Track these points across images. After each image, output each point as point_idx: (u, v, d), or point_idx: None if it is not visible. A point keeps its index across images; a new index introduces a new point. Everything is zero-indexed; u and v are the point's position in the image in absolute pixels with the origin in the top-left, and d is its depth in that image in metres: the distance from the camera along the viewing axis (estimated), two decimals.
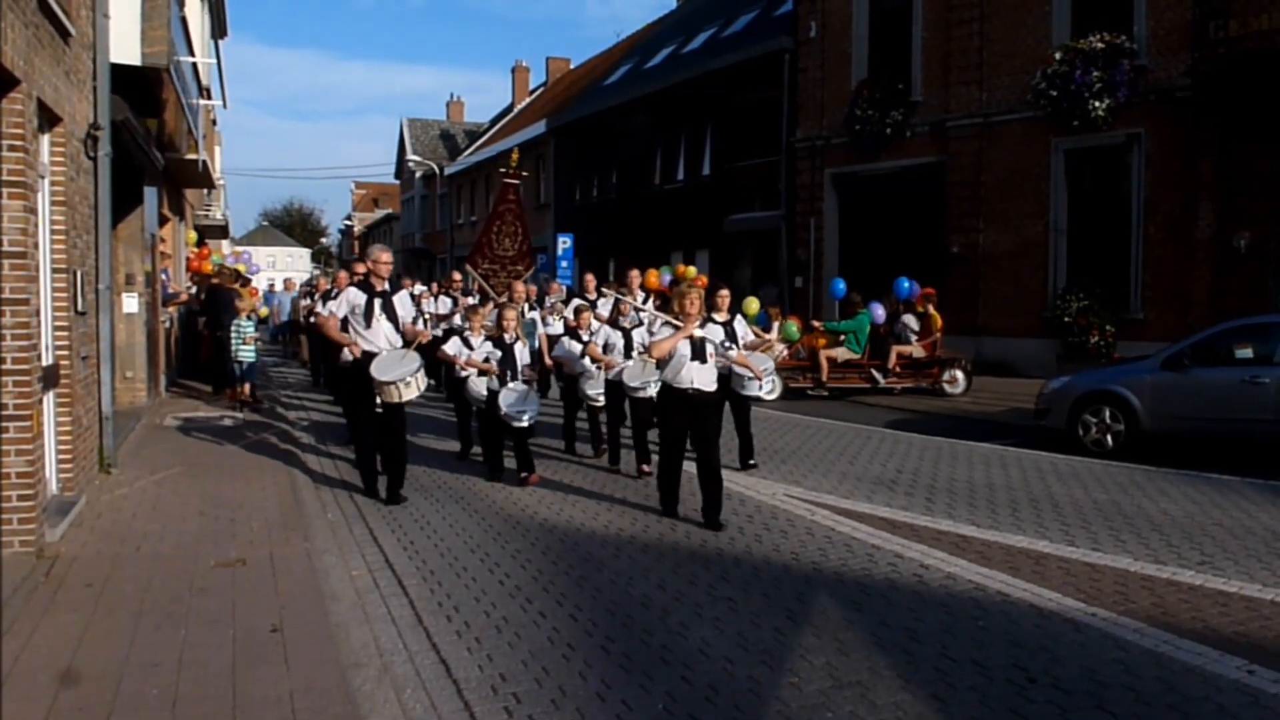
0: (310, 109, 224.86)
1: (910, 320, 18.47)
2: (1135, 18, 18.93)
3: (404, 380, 8.80)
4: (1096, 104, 18.98)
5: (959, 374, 18.20)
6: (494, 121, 59.14)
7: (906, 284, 18.76)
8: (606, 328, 10.94)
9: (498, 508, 8.97)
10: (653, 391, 9.48)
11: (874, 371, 18.03)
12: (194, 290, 20.52)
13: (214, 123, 26.08)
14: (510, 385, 9.92)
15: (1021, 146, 20.75)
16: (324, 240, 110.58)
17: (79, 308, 8.72)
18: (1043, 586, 6.68)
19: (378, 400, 9.01)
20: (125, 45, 10.78)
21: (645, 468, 10.32)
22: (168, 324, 18.23)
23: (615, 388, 10.56)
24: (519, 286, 13.31)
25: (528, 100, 56.69)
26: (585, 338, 11.27)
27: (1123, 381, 12.05)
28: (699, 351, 8.29)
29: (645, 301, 13.26)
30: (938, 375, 18.05)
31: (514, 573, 6.98)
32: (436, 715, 4.68)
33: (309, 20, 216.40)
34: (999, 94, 21.11)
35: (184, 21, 14.59)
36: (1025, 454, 11.69)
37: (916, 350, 18.15)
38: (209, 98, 21.76)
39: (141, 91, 11.82)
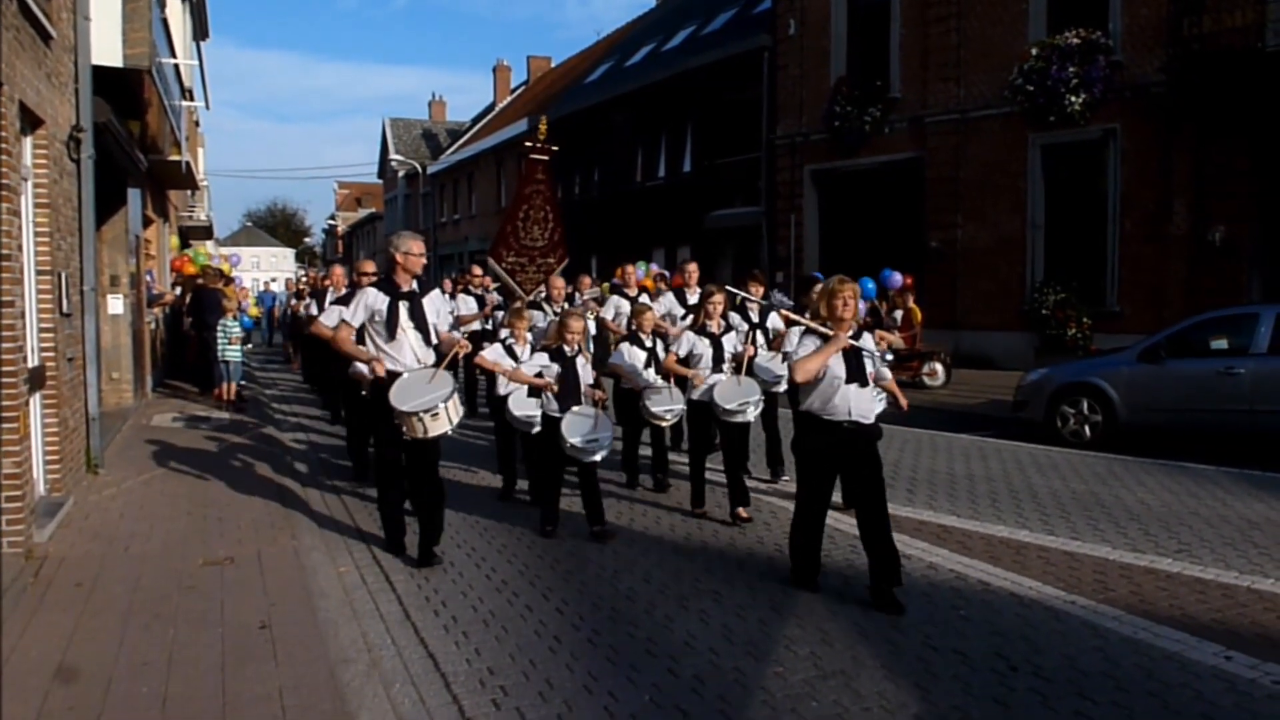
0: (292, 110, 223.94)
1: (895, 314, 18.59)
2: (1111, 14, 19.08)
3: (431, 410, 6.77)
4: (1073, 100, 19.14)
5: (938, 367, 18.32)
6: (476, 120, 59.10)
7: (897, 277, 18.83)
8: (691, 334, 8.80)
9: (482, 506, 9.03)
10: (753, 415, 8.32)
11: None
12: (179, 291, 20.46)
13: (197, 124, 26.02)
14: (576, 409, 7.92)
15: (999, 142, 20.89)
16: (308, 240, 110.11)
17: (64, 309, 8.73)
18: (1023, 576, 6.78)
19: (403, 429, 6.94)
20: (107, 47, 10.76)
21: (743, 512, 8.37)
22: (153, 325, 18.18)
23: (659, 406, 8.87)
24: (558, 282, 11.26)
25: (509, 99, 56.68)
26: (648, 343, 9.29)
27: (1100, 373, 12.18)
28: (857, 370, 6.28)
29: (639, 296, 11.99)
30: (917, 368, 18.16)
31: (500, 567, 7.06)
32: (425, 709, 4.71)
33: (290, 22, 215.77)
34: (976, 90, 21.24)
35: (165, 23, 14.58)
36: (1004, 445, 11.82)
37: (896, 341, 18.27)
38: (191, 99, 21.70)
39: (124, 93, 11.81)
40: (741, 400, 8.24)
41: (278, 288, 36.42)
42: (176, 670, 5.09)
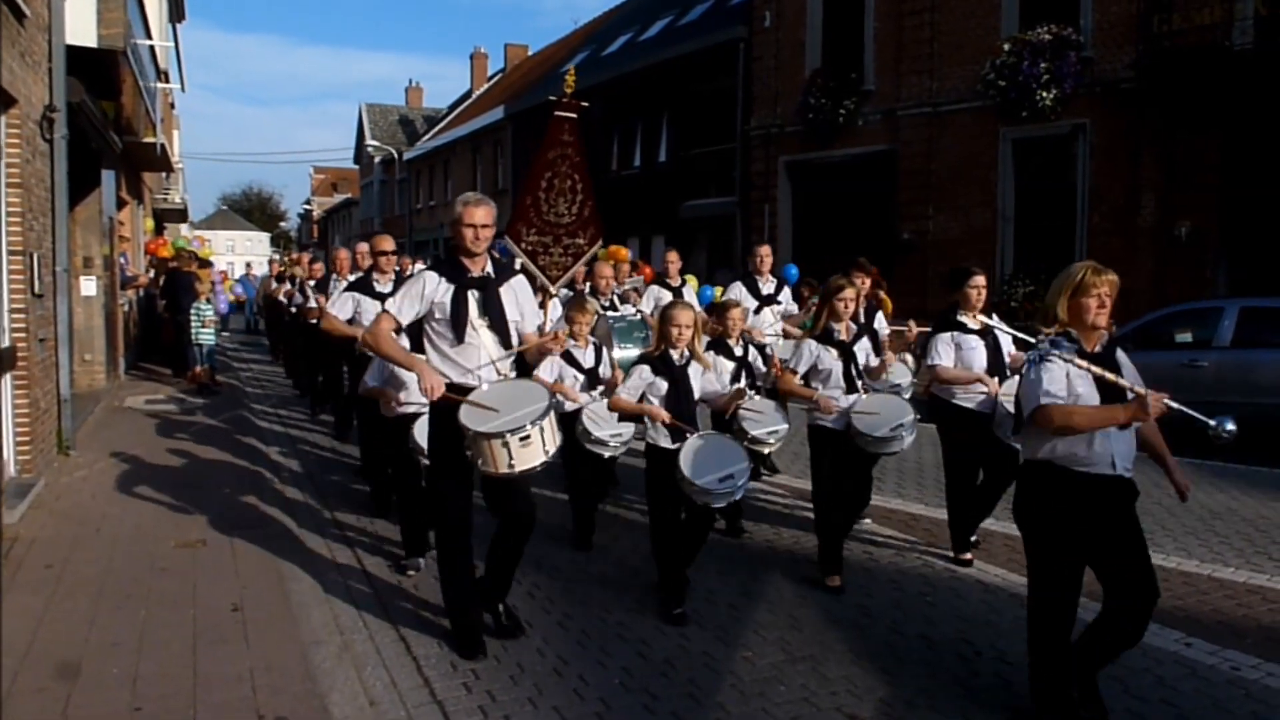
0: (269, 94, 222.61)
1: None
2: (1082, 10, 19.20)
3: (519, 432, 4.91)
4: (1044, 95, 19.25)
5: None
6: (453, 107, 58.85)
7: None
8: (813, 343, 6.64)
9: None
10: (908, 443, 6.59)
11: None
12: (152, 274, 20.35)
13: (172, 106, 25.77)
14: (699, 436, 5.93)
15: (971, 136, 21.00)
16: (283, 224, 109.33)
17: (36, 290, 8.72)
18: (988, 563, 6.90)
19: (479, 462, 5.04)
20: (81, 27, 10.73)
21: (835, 580, 6.38)
22: (126, 307, 18.11)
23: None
24: (604, 270, 9.59)
25: (486, 86, 56.42)
26: (738, 350, 7.57)
27: None
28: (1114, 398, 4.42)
29: (682, 288, 10.69)
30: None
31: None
32: (397, 692, 4.73)
33: (268, 5, 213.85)
34: (949, 84, 21.35)
35: (140, 4, 14.47)
36: None
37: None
38: (167, 81, 21.54)
39: (98, 74, 11.74)
40: (894, 425, 6.42)
41: (261, 271, 35.58)
42: (147, 651, 5.10)
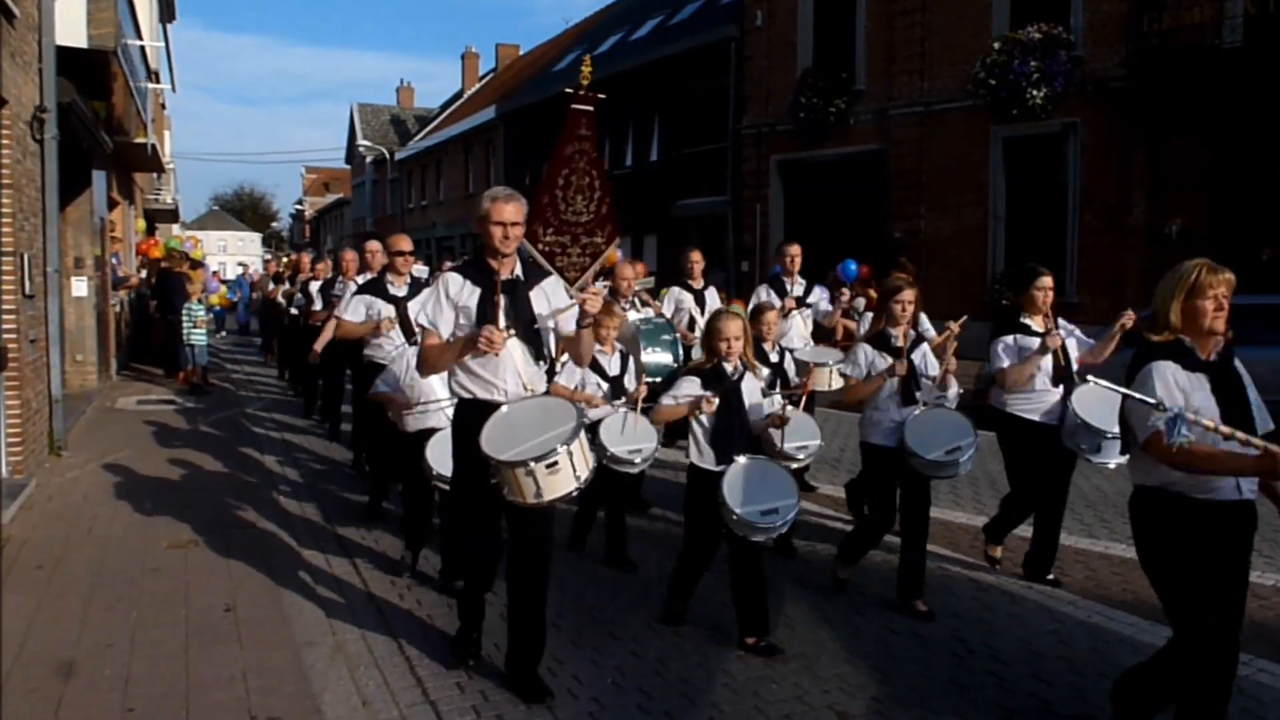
0: (260, 94, 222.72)
1: (858, 302, 18.69)
2: (1072, 10, 19.25)
3: (548, 458, 4.42)
4: (1034, 94, 19.30)
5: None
6: (444, 107, 58.72)
7: (854, 266, 18.97)
8: (868, 349, 6.17)
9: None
10: (967, 468, 6.03)
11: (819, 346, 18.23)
12: (144, 274, 20.31)
13: (163, 107, 25.79)
14: (745, 461, 5.36)
15: (962, 135, 21.05)
16: (275, 224, 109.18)
17: (27, 291, 8.71)
18: (981, 561, 6.91)
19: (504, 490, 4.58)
20: (71, 27, 10.71)
21: (921, 605, 5.86)
22: (118, 308, 18.08)
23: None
24: (625, 271, 8.94)
25: (477, 86, 56.33)
26: (773, 356, 7.37)
27: None
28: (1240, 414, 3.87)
29: (705, 290, 9.92)
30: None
31: None
32: (390, 692, 4.73)
33: (259, 5, 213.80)
34: (940, 83, 21.40)
35: (131, 4, 14.46)
36: None
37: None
38: (157, 81, 21.55)
39: (89, 74, 11.74)
40: (952, 445, 5.83)
41: (252, 269, 35.40)
42: (140, 652, 5.10)
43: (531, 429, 4.56)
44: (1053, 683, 4.91)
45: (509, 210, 4.71)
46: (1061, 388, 6.28)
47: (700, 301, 9.68)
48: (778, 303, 8.95)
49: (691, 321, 9.27)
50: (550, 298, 4.92)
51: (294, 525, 7.69)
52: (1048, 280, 6.45)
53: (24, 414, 8.47)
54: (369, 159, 59.22)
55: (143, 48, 16.47)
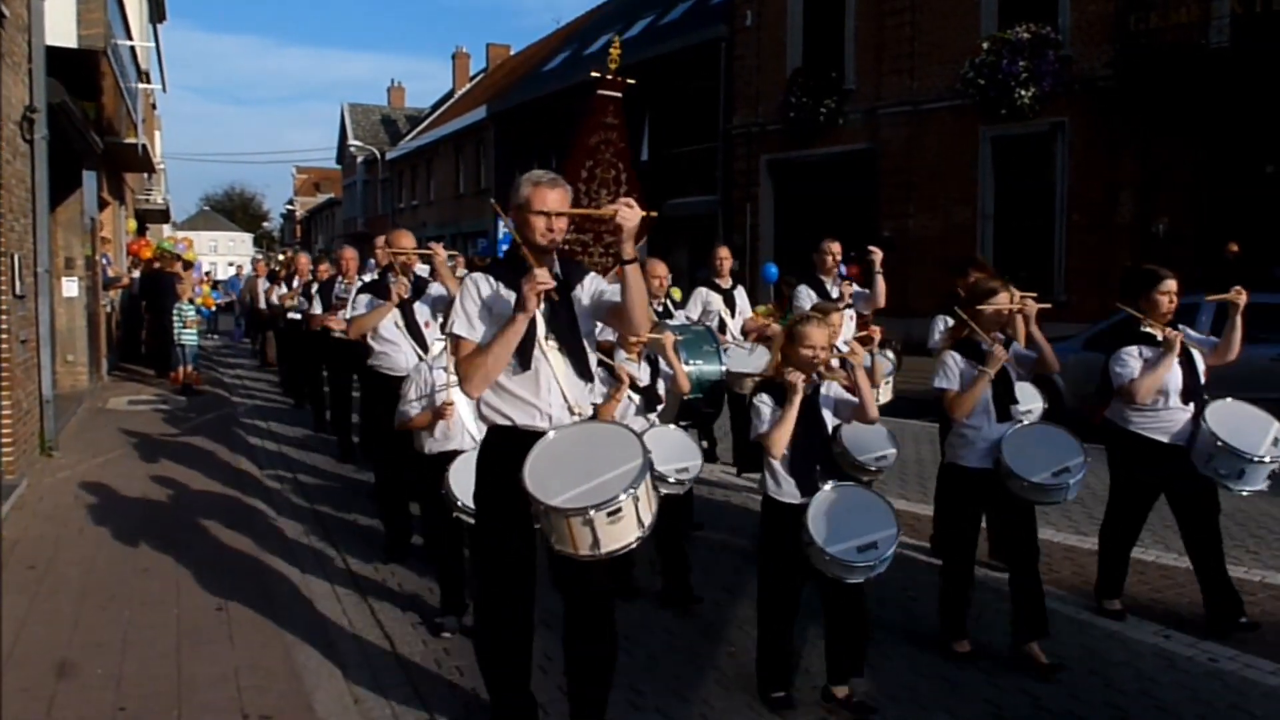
0: (251, 95, 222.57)
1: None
2: (1060, 9, 19.36)
3: (608, 505, 3.66)
4: (1022, 93, 19.39)
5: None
6: (435, 107, 58.77)
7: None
8: (956, 356, 5.31)
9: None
10: (1076, 492, 5.33)
11: None
12: (136, 274, 20.25)
13: (154, 107, 25.71)
14: (832, 489, 4.61)
15: (951, 134, 21.14)
16: (266, 224, 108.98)
17: (18, 291, 8.71)
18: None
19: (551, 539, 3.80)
20: (61, 27, 10.69)
21: (1042, 655, 5.10)
22: (109, 308, 18.04)
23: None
24: (658, 269, 7.88)
25: (468, 86, 56.36)
26: (834, 362, 5.85)
27: None
28: None
29: (734, 289, 9.15)
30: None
31: None
32: (381, 690, 4.72)
33: (248, 5, 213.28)
34: (929, 83, 21.48)
35: (121, 4, 14.44)
36: None
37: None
38: (148, 82, 21.48)
39: (79, 74, 11.71)
40: (1059, 465, 5.17)
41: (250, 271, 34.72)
42: (131, 651, 5.08)
43: (583, 463, 3.78)
44: (1042, 679, 4.93)
45: (553, 197, 3.93)
46: (1192, 405, 5.61)
47: (730, 302, 8.95)
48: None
49: (721, 324, 8.63)
50: (595, 293, 4.09)
51: (285, 524, 7.67)
52: (1173, 283, 5.70)
53: (15, 414, 8.47)
54: (360, 159, 59.17)
55: (133, 48, 16.43)
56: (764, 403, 4.61)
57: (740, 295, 9.17)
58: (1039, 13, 19.52)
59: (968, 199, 21.00)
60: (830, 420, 4.76)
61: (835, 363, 4.78)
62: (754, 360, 7.22)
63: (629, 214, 3.68)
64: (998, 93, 19.77)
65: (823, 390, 4.72)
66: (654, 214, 4.03)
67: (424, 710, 4.56)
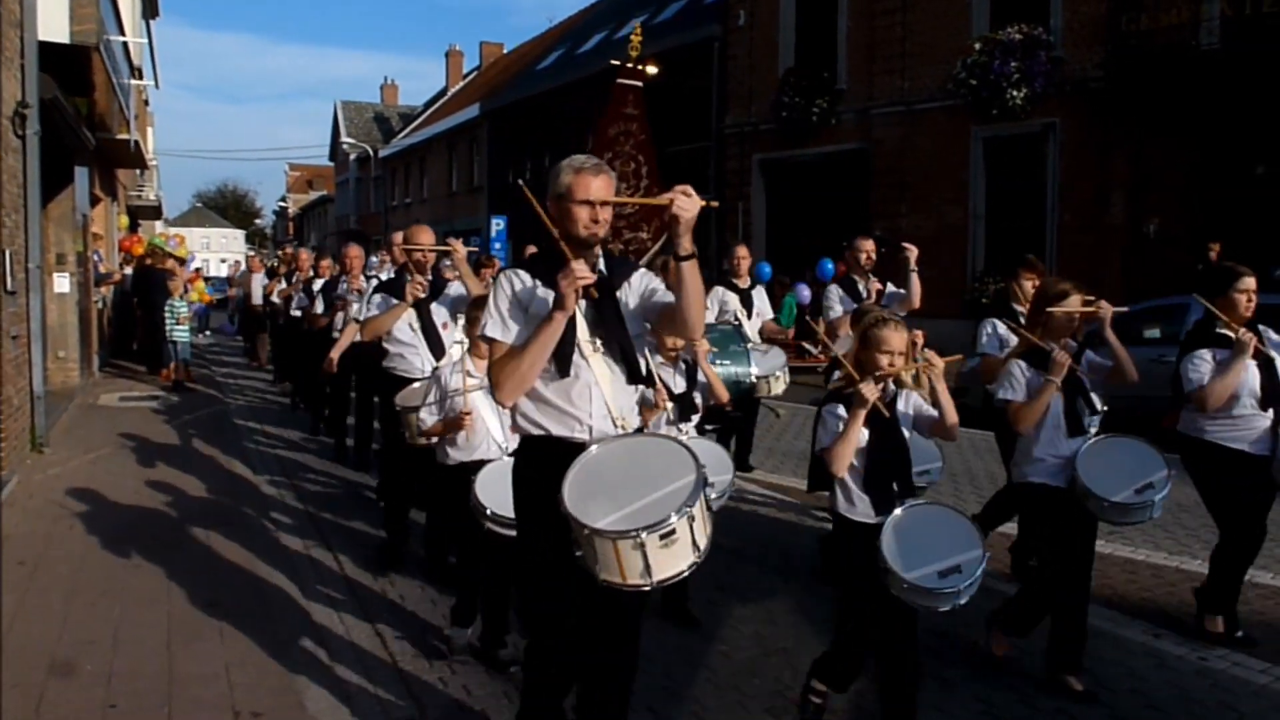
0: (243, 92, 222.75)
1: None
2: (1052, 10, 19.39)
3: (660, 526, 3.27)
4: (1014, 94, 19.41)
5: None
6: (428, 105, 58.65)
7: (830, 265, 19.07)
8: (1023, 365, 4.95)
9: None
10: (1160, 510, 4.90)
11: (804, 344, 18.40)
12: (128, 271, 20.23)
13: (146, 103, 25.70)
14: (908, 507, 4.16)
15: (943, 134, 21.15)
16: (258, 221, 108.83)
17: (9, 287, 8.70)
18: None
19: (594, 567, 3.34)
20: (54, 23, 10.69)
21: (1077, 683, 4.78)
22: (100, 304, 18.02)
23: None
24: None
25: (461, 84, 56.28)
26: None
27: None
28: None
29: (752, 289, 8.93)
30: None
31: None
32: (372, 686, 4.73)
33: (241, 2, 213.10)
34: (921, 83, 21.50)
35: (114, 1, 14.42)
36: None
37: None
38: (141, 78, 21.48)
39: (71, 70, 11.71)
40: (1143, 482, 4.78)
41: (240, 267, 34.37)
42: (122, 648, 5.09)
43: (629, 481, 3.41)
44: (1031, 675, 4.95)
45: (598, 184, 3.50)
46: (1271, 412, 5.30)
47: (747, 303, 8.71)
48: (849, 308, 7.99)
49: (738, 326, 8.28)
50: (641, 293, 3.72)
51: (278, 520, 7.68)
52: (1251, 281, 5.28)
53: (5, 410, 8.46)
54: (353, 156, 59.10)
55: (125, 44, 16.43)
56: (833, 413, 4.15)
57: (759, 296, 8.93)
58: (1030, 13, 19.55)
59: (959, 199, 21.03)
60: (907, 434, 4.27)
61: (908, 376, 4.31)
62: (769, 361, 6.97)
63: (686, 203, 3.28)
64: (989, 93, 19.79)
65: (900, 401, 4.27)
66: (715, 203, 3.74)
67: (415, 707, 4.57)
